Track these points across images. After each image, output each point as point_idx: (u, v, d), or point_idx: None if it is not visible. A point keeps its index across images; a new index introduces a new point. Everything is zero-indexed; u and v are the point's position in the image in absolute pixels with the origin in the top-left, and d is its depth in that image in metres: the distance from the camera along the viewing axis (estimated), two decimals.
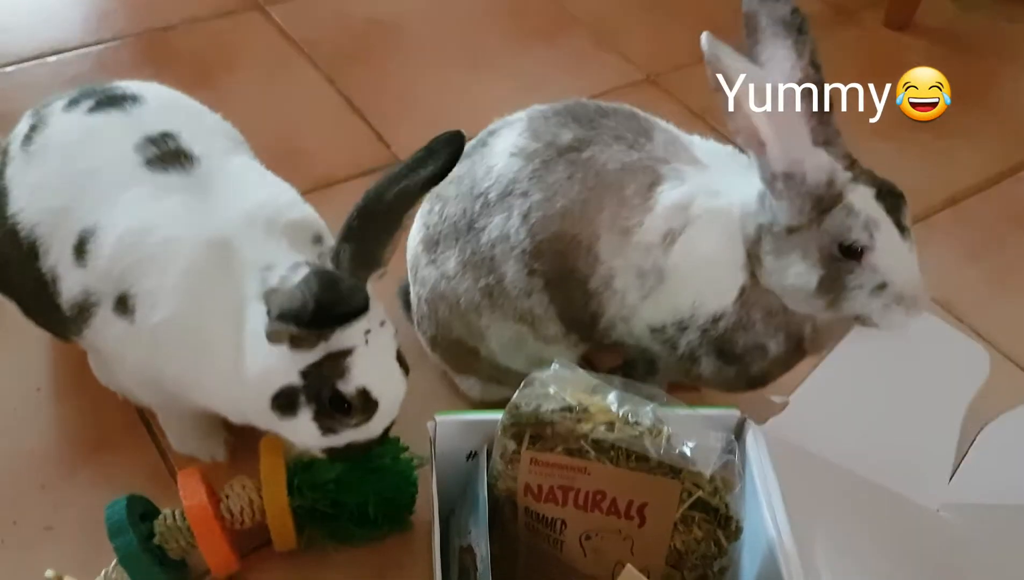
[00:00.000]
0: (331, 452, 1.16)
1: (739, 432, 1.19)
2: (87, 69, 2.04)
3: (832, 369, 1.25)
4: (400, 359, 1.16)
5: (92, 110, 1.25)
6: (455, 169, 1.33)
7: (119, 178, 1.20)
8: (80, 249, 1.18)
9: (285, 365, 1.10)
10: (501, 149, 1.31)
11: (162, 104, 1.28)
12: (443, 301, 1.35)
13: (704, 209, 1.23)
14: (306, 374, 1.10)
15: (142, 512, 1.21)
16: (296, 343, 1.09)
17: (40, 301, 1.26)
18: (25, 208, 1.23)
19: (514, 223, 1.27)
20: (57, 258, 1.21)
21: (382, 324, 1.13)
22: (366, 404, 1.12)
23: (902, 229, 1.15)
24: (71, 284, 1.20)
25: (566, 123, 1.30)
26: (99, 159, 1.21)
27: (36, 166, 1.24)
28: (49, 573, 1.19)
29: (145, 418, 1.41)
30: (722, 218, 1.22)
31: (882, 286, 1.15)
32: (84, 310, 1.20)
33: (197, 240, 1.14)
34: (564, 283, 1.28)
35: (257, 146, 1.38)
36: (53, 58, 2.06)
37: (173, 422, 1.38)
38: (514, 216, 1.27)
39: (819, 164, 1.14)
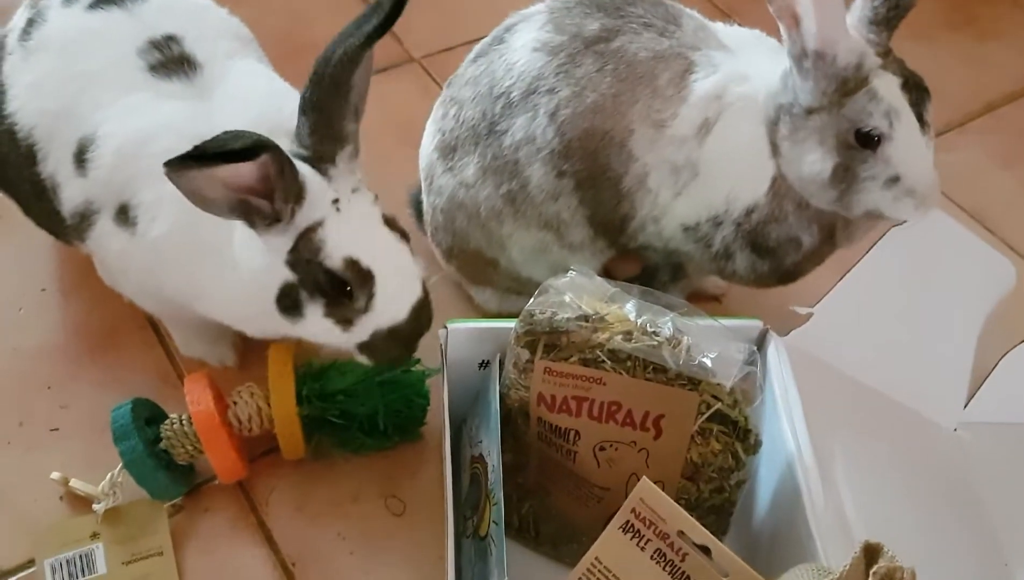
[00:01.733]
0: (370, 354, 1.10)
1: (761, 343, 1.16)
2: None
3: (857, 280, 1.21)
4: (391, 224, 1.10)
5: (92, 6, 1.20)
6: (470, 70, 1.28)
7: (120, 82, 1.15)
8: (80, 157, 1.15)
9: (271, 260, 1.06)
10: (522, 45, 1.24)
11: (165, 1, 1.22)
12: (461, 210, 1.30)
13: (736, 96, 1.18)
14: (293, 264, 1.05)
15: (148, 416, 1.20)
16: (245, 214, 1.02)
17: (40, 204, 1.23)
18: (22, 108, 1.19)
19: (540, 123, 1.21)
20: (56, 165, 1.18)
21: (354, 191, 1.07)
22: (360, 276, 1.05)
23: (923, 123, 1.12)
24: (71, 193, 1.17)
25: (591, 12, 1.23)
26: (99, 61, 1.17)
27: (34, 64, 1.19)
28: (55, 475, 1.19)
29: (153, 320, 1.39)
30: (752, 104, 1.18)
31: (895, 179, 1.11)
32: (85, 218, 1.17)
33: None
34: (595, 183, 1.23)
35: (265, 41, 1.32)
36: None
37: (180, 327, 1.36)
38: (540, 115, 1.21)
39: (851, 46, 1.09)
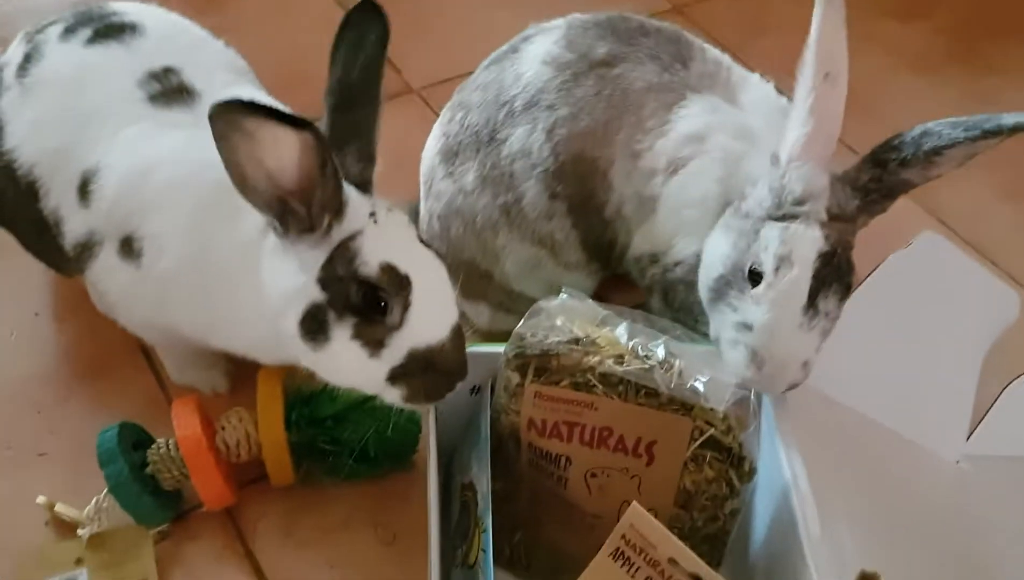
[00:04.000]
0: (406, 386, 1.01)
1: None
2: None
3: (856, 307, 1.19)
4: (426, 244, 1.05)
5: (90, 41, 1.21)
6: (482, 76, 1.28)
7: (121, 115, 1.16)
8: (84, 190, 1.15)
9: (302, 280, 1.00)
10: (533, 56, 1.24)
11: (163, 35, 1.23)
12: (458, 217, 1.29)
13: (719, 147, 1.14)
14: (324, 282, 0.99)
15: (136, 440, 1.18)
16: (280, 215, 0.98)
17: (41, 240, 1.23)
18: (22, 145, 1.19)
19: (537, 138, 1.21)
20: (59, 200, 1.18)
21: (389, 210, 1.03)
22: (397, 282, 0.98)
23: (811, 303, 1.02)
24: (74, 225, 1.17)
25: (604, 36, 1.23)
26: (99, 96, 1.17)
27: (33, 101, 1.20)
28: (41, 500, 1.18)
29: (144, 345, 1.37)
30: (730, 162, 1.13)
31: (747, 327, 1.04)
32: (87, 249, 1.17)
33: (202, 181, 1.09)
34: (585, 209, 1.22)
35: (264, 73, 1.33)
36: None
37: (172, 355, 1.34)
38: (538, 130, 1.21)
39: (808, 177, 1.03)
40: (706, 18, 2.06)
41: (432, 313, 1.01)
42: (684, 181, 1.15)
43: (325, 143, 0.93)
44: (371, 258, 0.99)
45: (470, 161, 1.26)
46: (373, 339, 1.00)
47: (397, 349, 1.00)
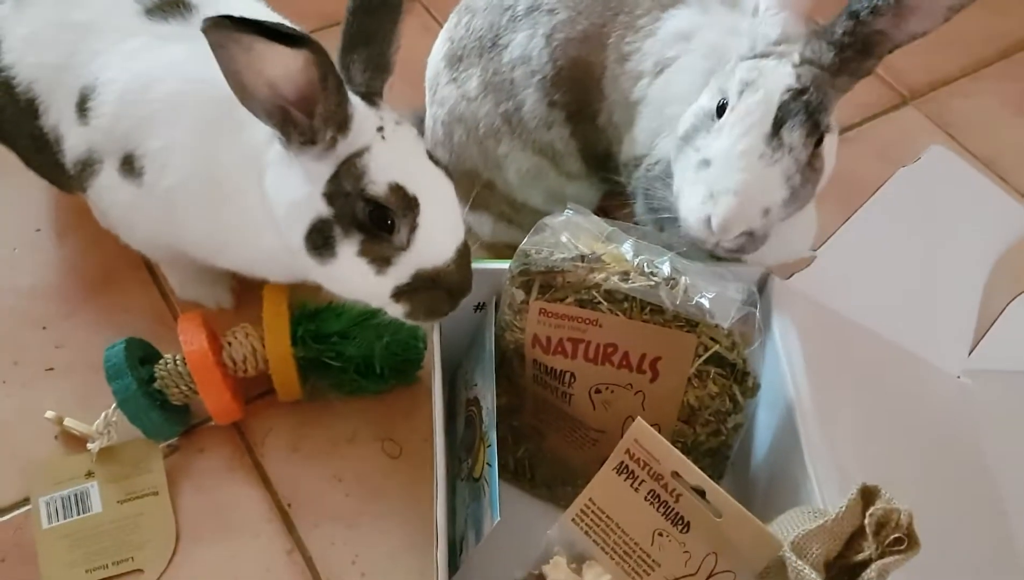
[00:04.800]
0: (409, 304, 1.02)
1: (762, 286, 1.14)
2: None
3: (863, 222, 1.18)
4: (434, 159, 1.03)
5: None
6: None
7: (117, 28, 1.13)
8: (82, 106, 1.13)
9: (307, 192, 0.99)
10: None
11: None
12: (461, 124, 1.27)
13: (706, 43, 1.11)
14: (330, 197, 0.98)
15: (143, 355, 1.19)
16: (281, 124, 0.96)
17: (42, 156, 1.21)
18: (19, 61, 1.16)
19: (537, 44, 1.19)
20: (59, 117, 1.16)
21: (398, 123, 1.01)
22: (405, 203, 0.97)
23: (775, 132, 0.99)
24: (74, 142, 1.15)
25: None
26: (94, 9, 1.14)
27: (28, 16, 1.17)
28: (49, 414, 1.19)
29: (148, 261, 1.37)
30: (715, 57, 1.10)
31: (707, 163, 1.01)
32: (87, 167, 1.15)
33: (203, 95, 1.07)
34: (582, 117, 1.20)
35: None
36: None
37: (176, 270, 1.34)
38: (538, 35, 1.19)
39: (779, 22, 1.03)
40: None
41: (439, 234, 1.00)
42: (668, 78, 1.13)
43: (324, 56, 0.91)
44: (379, 177, 0.97)
45: (473, 67, 1.24)
46: (380, 257, 1.00)
47: (403, 268, 1.00)
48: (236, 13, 1.14)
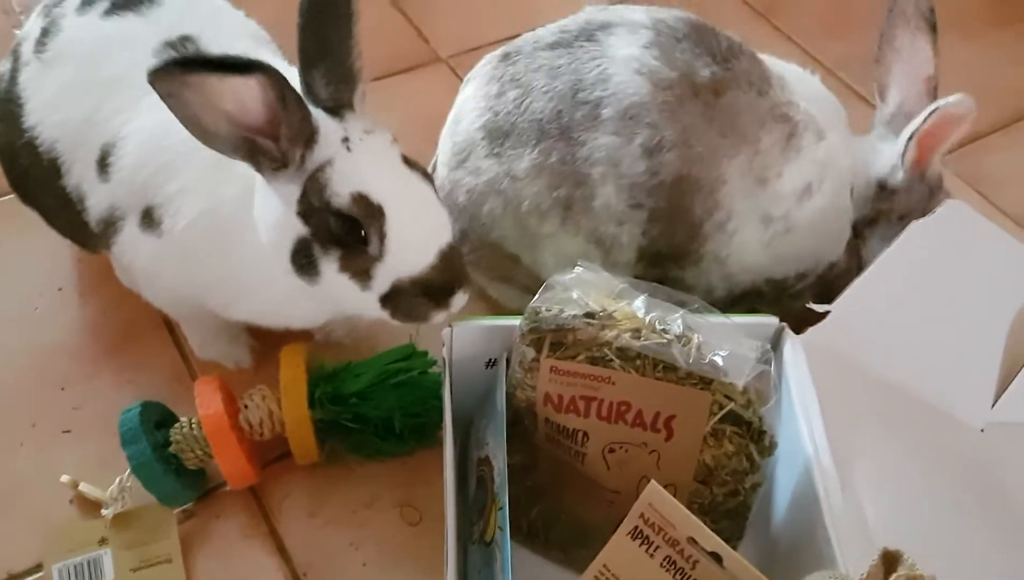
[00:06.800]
0: (393, 310, 1.02)
1: (776, 342, 1.12)
2: None
3: (877, 276, 1.17)
4: (411, 163, 1.02)
5: (107, 13, 1.19)
6: (546, 56, 1.25)
7: (137, 86, 1.12)
8: (103, 163, 1.14)
9: (284, 214, 1.00)
10: (622, 58, 1.21)
11: (180, 4, 1.21)
12: (499, 198, 1.25)
13: (838, 168, 1.27)
14: (304, 215, 0.98)
15: (158, 419, 1.18)
16: (250, 155, 0.97)
17: (66, 215, 1.23)
18: (43, 121, 1.18)
19: (632, 153, 1.19)
20: (81, 176, 1.17)
21: (368, 132, 1.00)
22: (369, 211, 0.96)
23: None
24: (97, 201, 1.16)
25: (700, 55, 1.22)
26: (118, 67, 1.16)
27: (52, 76, 1.19)
28: (64, 479, 1.19)
29: (169, 321, 1.38)
30: (845, 174, 1.29)
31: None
32: (110, 225, 1.17)
33: None
34: (671, 221, 1.23)
35: (290, 44, 1.30)
36: None
37: (196, 329, 1.34)
38: (634, 145, 1.19)
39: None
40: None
41: (412, 240, 0.99)
42: (822, 202, 1.27)
43: (277, 75, 0.91)
44: (341, 189, 0.97)
45: (525, 148, 1.23)
46: (360, 270, 1.00)
47: (382, 279, 1.00)
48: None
